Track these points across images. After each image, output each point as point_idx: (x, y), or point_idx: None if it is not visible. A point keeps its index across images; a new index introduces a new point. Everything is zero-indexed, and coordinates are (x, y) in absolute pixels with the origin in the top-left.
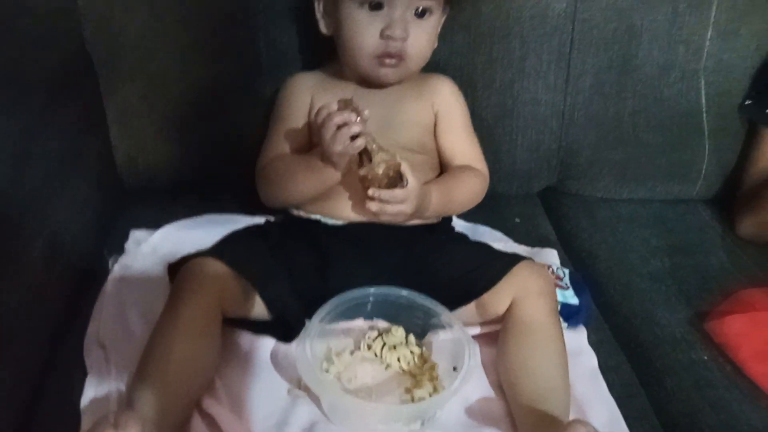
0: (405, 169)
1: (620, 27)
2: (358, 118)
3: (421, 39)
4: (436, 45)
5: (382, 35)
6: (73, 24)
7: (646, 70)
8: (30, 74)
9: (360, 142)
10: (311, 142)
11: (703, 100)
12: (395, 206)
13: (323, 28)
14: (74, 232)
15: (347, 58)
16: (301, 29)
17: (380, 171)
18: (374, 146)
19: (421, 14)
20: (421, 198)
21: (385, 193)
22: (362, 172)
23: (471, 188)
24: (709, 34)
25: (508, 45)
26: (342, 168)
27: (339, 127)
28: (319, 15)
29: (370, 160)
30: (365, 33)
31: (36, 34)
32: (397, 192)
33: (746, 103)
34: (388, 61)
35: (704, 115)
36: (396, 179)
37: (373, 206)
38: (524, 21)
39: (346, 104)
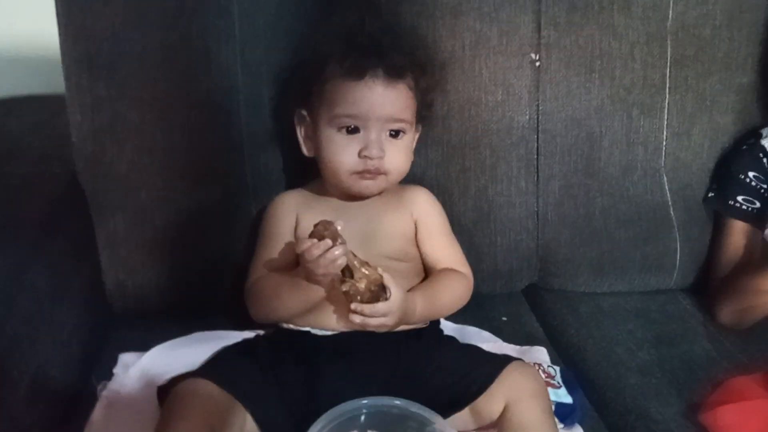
0: (388, 281)
1: (581, 134)
2: (338, 241)
3: (396, 156)
4: (412, 159)
5: (360, 155)
6: (66, 159)
7: (610, 171)
8: (22, 213)
9: (341, 261)
10: (297, 258)
11: (668, 195)
12: (377, 320)
13: (305, 150)
14: (61, 366)
15: (329, 177)
16: (285, 152)
17: (362, 286)
18: (355, 262)
19: (395, 134)
20: (404, 308)
21: (368, 308)
22: (344, 288)
23: (455, 292)
24: (665, 135)
25: (479, 155)
26: (326, 285)
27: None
28: (300, 139)
29: (352, 276)
30: (344, 154)
31: (29, 175)
32: (379, 306)
33: (709, 195)
34: (368, 175)
35: (671, 208)
36: (378, 292)
37: (356, 319)
38: (492, 133)
39: (323, 227)
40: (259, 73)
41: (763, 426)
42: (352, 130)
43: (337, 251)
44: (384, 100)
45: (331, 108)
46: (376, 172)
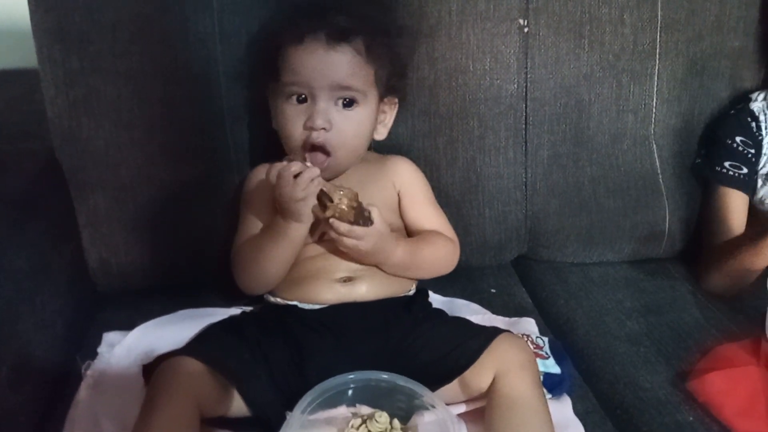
0: (375, 213)
1: (569, 102)
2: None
3: (346, 129)
4: (382, 135)
5: (305, 126)
6: (43, 136)
7: (599, 139)
8: None
9: (318, 180)
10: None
11: (657, 163)
12: (351, 241)
13: (273, 124)
14: (44, 347)
15: (286, 150)
16: (268, 124)
17: (344, 206)
18: (329, 187)
19: (348, 104)
20: (383, 240)
21: (344, 227)
22: (328, 213)
23: (439, 249)
24: (654, 102)
25: (466, 125)
26: (306, 218)
27: (295, 177)
28: (272, 113)
29: (331, 201)
30: (291, 125)
31: (5, 152)
32: (356, 229)
33: (696, 162)
34: (313, 156)
35: (660, 176)
36: (361, 207)
37: (333, 234)
38: (480, 102)
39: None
40: (238, 43)
41: (750, 392)
42: (302, 100)
43: (314, 170)
44: (326, 64)
45: (280, 77)
46: (322, 148)
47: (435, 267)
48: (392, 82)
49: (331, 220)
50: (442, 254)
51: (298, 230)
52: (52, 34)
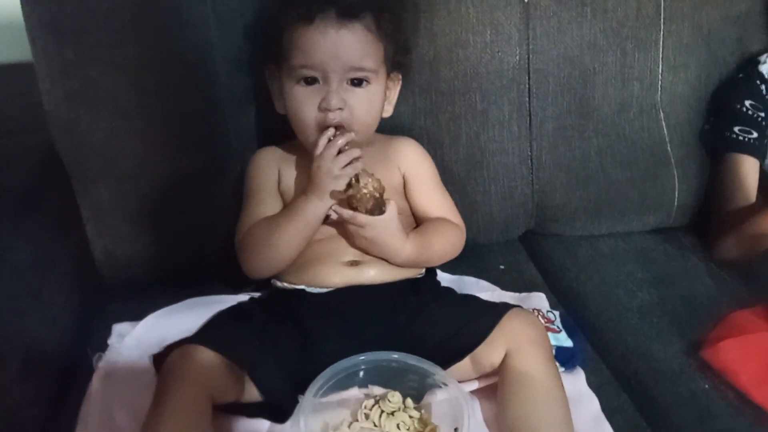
0: (392, 205)
1: (573, 73)
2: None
3: (360, 107)
4: (388, 112)
5: (320, 108)
6: (42, 130)
7: (605, 109)
8: None
9: (358, 165)
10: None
11: (665, 131)
12: (352, 227)
13: (277, 107)
14: (53, 340)
15: (298, 134)
16: (268, 109)
17: (366, 191)
18: (361, 170)
19: (358, 83)
20: (387, 235)
21: (347, 213)
22: (350, 192)
23: (448, 237)
24: (660, 69)
25: (469, 100)
26: (327, 198)
27: (340, 151)
28: (273, 96)
29: (357, 182)
30: (304, 107)
31: (5, 148)
32: (359, 217)
33: (705, 128)
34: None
35: (668, 145)
36: (381, 201)
37: (333, 215)
38: (482, 77)
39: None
40: (235, 28)
41: (765, 359)
42: (311, 81)
43: (357, 151)
44: (338, 44)
45: (289, 59)
46: (339, 127)
47: (443, 257)
48: (398, 58)
49: (333, 207)
50: (450, 245)
51: (317, 209)
52: (45, 26)
